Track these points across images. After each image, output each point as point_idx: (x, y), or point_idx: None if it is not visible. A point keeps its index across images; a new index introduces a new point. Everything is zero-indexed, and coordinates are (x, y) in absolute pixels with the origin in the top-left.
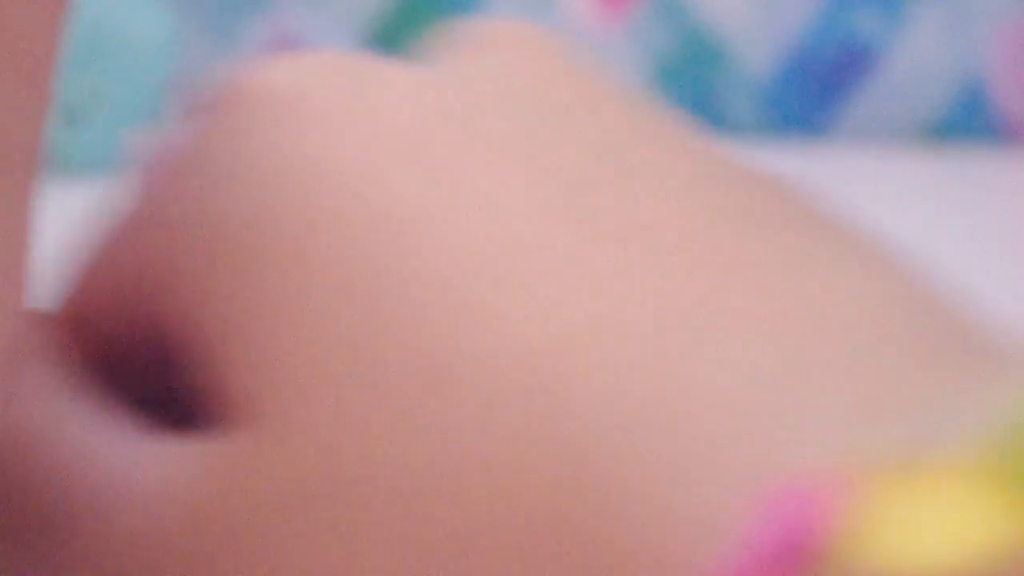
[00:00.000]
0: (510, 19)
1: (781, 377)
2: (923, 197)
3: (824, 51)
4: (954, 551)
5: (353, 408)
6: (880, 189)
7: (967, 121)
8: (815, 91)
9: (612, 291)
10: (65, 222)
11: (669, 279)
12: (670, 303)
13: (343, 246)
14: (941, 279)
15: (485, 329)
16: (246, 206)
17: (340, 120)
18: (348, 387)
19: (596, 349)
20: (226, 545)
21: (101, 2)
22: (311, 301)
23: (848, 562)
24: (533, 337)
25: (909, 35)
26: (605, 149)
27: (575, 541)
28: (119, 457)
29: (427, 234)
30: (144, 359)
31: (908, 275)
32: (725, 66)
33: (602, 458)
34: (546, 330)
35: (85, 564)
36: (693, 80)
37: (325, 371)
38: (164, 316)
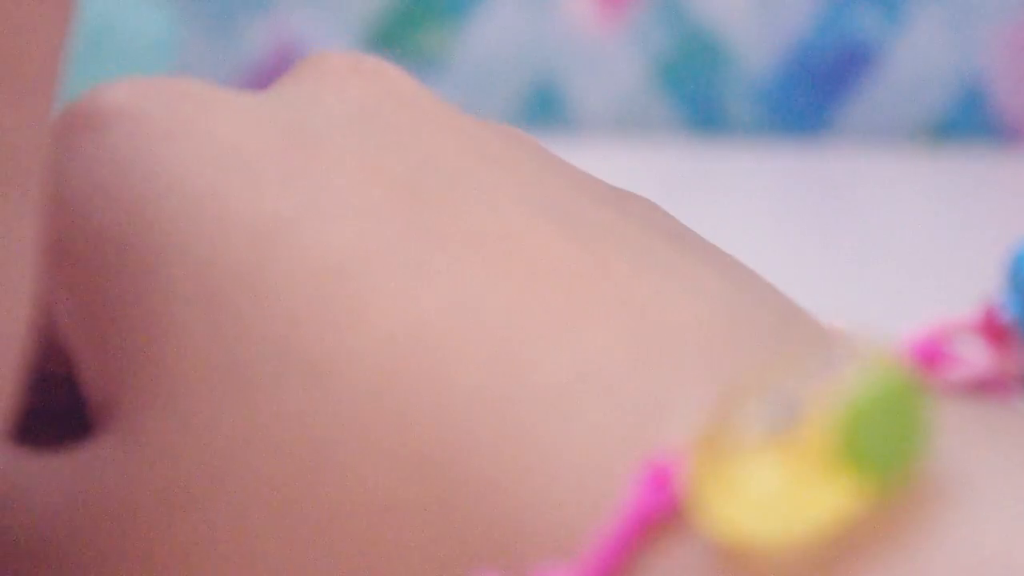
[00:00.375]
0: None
1: (642, 361)
2: (923, 197)
3: (824, 51)
4: (791, 522)
5: (215, 406)
6: (880, 189)
7: (967, 121)
8: (815, 91)
9: (472, 288)
10: None
11: (524, 280)
12: (526, 299)
13: (197, 254)
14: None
15: (351, 326)
16: (97, 221)
17: (187, 137)
18: (210, 387)
19: (464, 339)
20: (88, 553)
21: (101, 2)
22: (167, 308)
23: (699, 527)
24: (401, 330)
25: (909, 35)
26: (432, 165)
27: (457, 518)
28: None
29: (283, 240)
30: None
31: (745, 275)
32: (725, 66)
33: (484, 437)
34: (414, 323)
35: None
36: (693, 80)
37: (183, 375)
38: (55, 328)
